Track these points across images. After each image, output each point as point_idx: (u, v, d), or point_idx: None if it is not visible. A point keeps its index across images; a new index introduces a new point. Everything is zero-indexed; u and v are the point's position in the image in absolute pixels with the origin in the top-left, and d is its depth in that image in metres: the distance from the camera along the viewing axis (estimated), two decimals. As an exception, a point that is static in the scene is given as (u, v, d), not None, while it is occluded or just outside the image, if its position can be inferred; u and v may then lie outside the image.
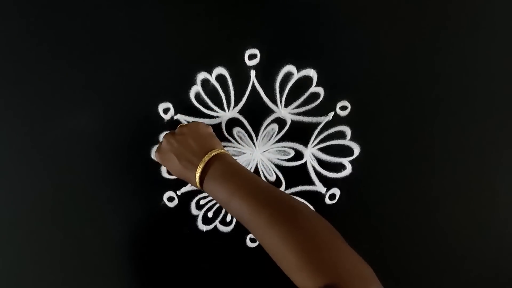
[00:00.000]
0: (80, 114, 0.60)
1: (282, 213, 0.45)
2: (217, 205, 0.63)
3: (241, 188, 0.48)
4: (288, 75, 0.61)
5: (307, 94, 0.62)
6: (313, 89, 0.61)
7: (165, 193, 0.62)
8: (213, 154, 0.52)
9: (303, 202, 0.48)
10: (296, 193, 0.64)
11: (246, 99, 0.61)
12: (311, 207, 0.46)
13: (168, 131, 0.58)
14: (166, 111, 0.61)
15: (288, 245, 0.42)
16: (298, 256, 0.41)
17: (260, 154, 0.63)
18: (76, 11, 0.57)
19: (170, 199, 0.63)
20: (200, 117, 0.61)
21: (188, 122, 0.61)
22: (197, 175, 0.51)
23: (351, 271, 0.40)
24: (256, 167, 0.63)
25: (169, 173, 0.62)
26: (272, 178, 0.63)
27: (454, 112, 0.63)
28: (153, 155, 0.61)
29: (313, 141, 0.63)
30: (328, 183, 0.64)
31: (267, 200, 0.46)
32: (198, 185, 0.51)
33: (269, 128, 0.62)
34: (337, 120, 0.62)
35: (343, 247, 0.42)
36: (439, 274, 0.67)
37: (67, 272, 0.63)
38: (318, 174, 0.64)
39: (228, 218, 0.64)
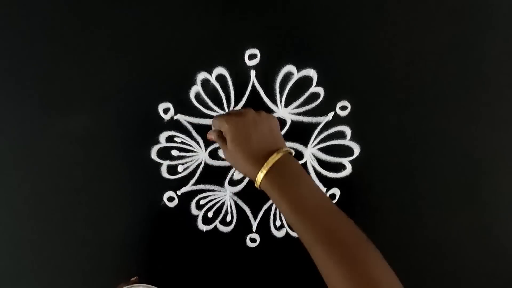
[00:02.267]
0: (80, 114, 0.60)
1: (339, 244, 0.44)
2: (217, 205, 0.64)
3: (304, 205, 0.47)
4: (288, 75, 0.61)
5: (307, 94, 0.62)
6: (313, 89, 0.61)
7: (165, 193, 0.62)
8: (281, 154, 0.50)
9: (370, 241, 0.45)
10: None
11: (246, 99, 0.61)
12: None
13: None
14: (166, 111, 0.61)
15: (349, 274, 0.42)
16: (358, 285, 0.41)
17: (260, 154, 0.63)
18: (76, 11, 0.57)
19: (170, 199, 0.63)
20: (200, 117, 0.61)
21: (188, 122, 0.61)
22: (261, 174, 0.49)
23: None
24: (256, 167, 0.63)
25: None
26: (272, 178, 0.63)
27: (454, 112, 0.63)
28: (217, 123, 0.55)
29: (313, 141, 0.63)
30: (328, 183, 0.64)
31: (327, 227, 0.45)
32: (257, 182, 0.50)
33: (269, 128, 0.62)
34: (337, 120, 0.62)
35: (397, 282, 0.43)
36: (439, 274, 0.67)
37: (66, 272, 0.63)
38: (318, 174, 0.64)
39: (228, 218, 0.64)
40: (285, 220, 0.58)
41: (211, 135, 0.58)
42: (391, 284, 0.43)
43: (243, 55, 0.60)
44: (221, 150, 0.62)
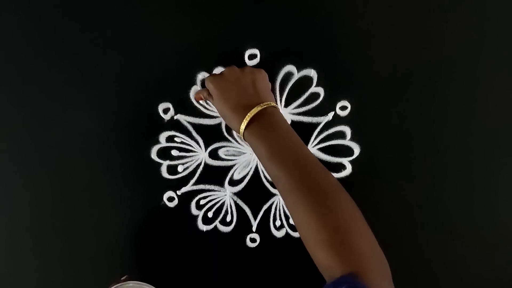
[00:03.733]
0: (80, 114, 0.60)
1: (320, 190, 0.46)
2: (217, 205, 0.64)
3: (280, 153, 0.49)
4: (288, 75, 0.61)
5: (307, 94, 0.62)
6: (313, 89, 0.61)
7: (165, 193, 0.62)
8: (264, 106, 0.52)
9: (343, 191, 0.47)
10: (296, 193, 0.64)
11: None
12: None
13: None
14: (166, 111, 0.61)
15: (320, 222, 0.43)
16: (329, 235, 0.42)
17: (260, 154, 0.63)
18: (76, 11, 0.57)
19: (170, 199, 0.63)
20: (200, 117, 0.61)
21: (188, 122, 0.61)
22: (243, 125, 0.51)
23: (376, 263, 0.42)
24: (256, 167, 0.63)
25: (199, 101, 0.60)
26: (272, 178, 0.63)
27: (454, 112, 0.63)
28: (202, 82, 0.59)
29: (313, 141, 0.63)
30: (328, 183, 0.64)
31: (306, 172, 0.47)
32: (241, 133, 0.52)
33: (269, 128, 0.62)
34: (337, 120, 0.62)
35: (372, 237, 0.44)
36: (439, 274, 0.67)
37: (66, 272, 0.63)
38: (318, 174, 0.63)
39: (228, 218, 0.64)
40: (262, 166, 0.60)
41: (199, 94, 0.59)
42: (362, 234, 0.44)
43: (243, 55, 0.60)
44: (221, 150, 0.62)
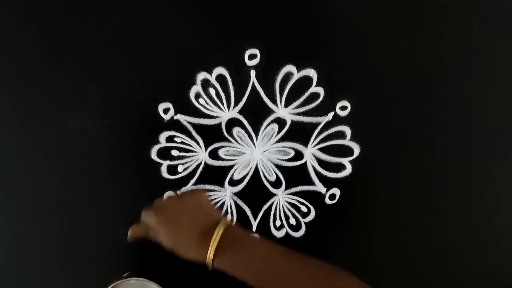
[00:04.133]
0: (80, 114, 0.60)
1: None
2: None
3: (261, 272, 0.45)
4: (288, 75, 0.61)
5: (307, 94, 0.62)
6: (313, 89, 0.61)
7: (165, 193, 0.62)
8: (223, 227, 0.47)
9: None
10: (296, 193, 0.64)
11: (246, 99, 0.61)
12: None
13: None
14: (166, 111, 0.61)
15: None
16: None
17: (260, 154, 0.63)
18: (76, 11, 0.57)
19: (170, 199, 0.63)
20: (200, 117, 0.61)
21: (188, 122, 0.61)
22: (211, 255, 0.46)
23: None
24: (256, 167, 0.63)
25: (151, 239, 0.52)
26: (272, 178, 0.63)
27: (454, 112, 0.63)
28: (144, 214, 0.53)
29: (313, 141, 0.63)
30: (328, 183, 0.64)
31: (300, 278, 0.45)
32: (208, 263, 0.47)
33: (269, 128, 0.62)
34: (337, 120, 0.62)
35: None
36: (438, 274, 0.67)
37: (66, 272, 0.63)
38: (318, 174, 0.64)
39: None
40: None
41: (135, 233, 0.53)
42: None
43: (243, 55, 0.60)
44: (221, 150, 0.62)
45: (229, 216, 0.51)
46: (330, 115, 0.62)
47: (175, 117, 0.61)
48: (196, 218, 0.49)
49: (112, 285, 0.54)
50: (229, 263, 0.46)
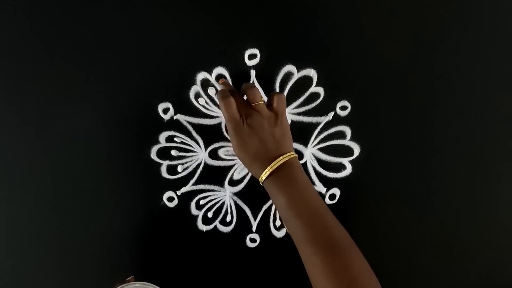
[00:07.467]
0: (80, 114, 0.60)
1: (337, 244, 0.48)
2: (217, 205, 0.63)
3: (300, 205, 0.51)
4: (288, 75, 0.61)
5: (307, 94, 0.62)
6: (313, 89, 0.61)
7: (165, 193, 0.62)
8: (285, 159, 0.53)
9: (356, 248, 0.50)
10: (296, 193, 0.64)
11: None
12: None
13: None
14: (165, 111, 0.61)
15: (338, 275, 0.46)
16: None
17: (260, 154, 0.63)
18: (76, 11, 0.57)
19: (170, 199, 0.63)
20: (200, 117, 0.61)
21: (188, 122, 0.61)
22: (264, 175, 0.53)
23: None
24: (256, 167, 0.63)
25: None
26: (272, 178, 0.63)
27: (454, 112, 0.63)
28: (225, 125, 0.59)
29: (313, 141, 0.63)
30: (328, 183, 0.64)
31: (324, 226, 0.50)
32: (260, 181, 0.54)
33: (269, 128, 0.62)
34: (337, 120, 0.62)
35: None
36: (438, 275, 0.67)
37: (65, 272, 0.63)
38: (318, 174, 0.64)
39: (228, 218, 0.64)
40: (279, 215, 0.61)
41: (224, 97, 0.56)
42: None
43: (243, 55, 0.60)
44: (221, 150, 0.62)
45: (291, 144, 0.57)
46: (330, 115, 0.62)
47: (175, 117, 0.61)
48: (266, 144, 0.54)
49: None
50: (274, 185, 0.53)
